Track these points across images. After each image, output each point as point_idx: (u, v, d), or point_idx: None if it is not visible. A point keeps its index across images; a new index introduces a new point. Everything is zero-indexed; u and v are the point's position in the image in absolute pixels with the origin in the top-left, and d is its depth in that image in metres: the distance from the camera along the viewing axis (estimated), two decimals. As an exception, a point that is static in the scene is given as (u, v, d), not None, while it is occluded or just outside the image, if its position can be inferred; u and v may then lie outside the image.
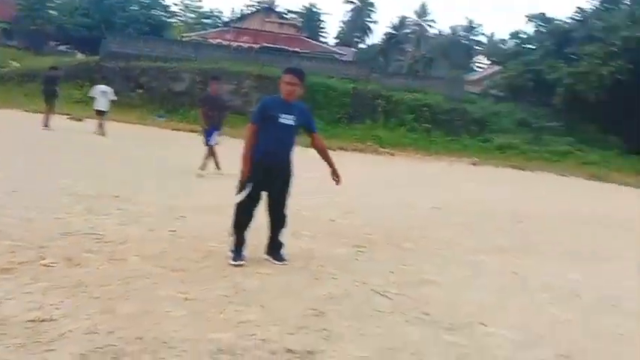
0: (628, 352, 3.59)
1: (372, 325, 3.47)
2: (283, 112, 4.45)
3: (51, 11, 41.55)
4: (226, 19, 48.11)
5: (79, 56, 35.85)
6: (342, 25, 70.24)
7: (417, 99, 26.51)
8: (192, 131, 20.12)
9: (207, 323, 3.21)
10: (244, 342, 3.00)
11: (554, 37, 27.21)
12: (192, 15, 58.12)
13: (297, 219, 6.60)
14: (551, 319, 4.01)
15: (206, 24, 54.86)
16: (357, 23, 66.20)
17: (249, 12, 48.53)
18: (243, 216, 4.52)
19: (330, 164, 4.82)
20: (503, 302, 4.29)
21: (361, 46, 68.78)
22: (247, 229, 4.56)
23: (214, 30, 44.13)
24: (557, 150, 23.55)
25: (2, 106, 20.09)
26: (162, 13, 51.20)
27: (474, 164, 20.84)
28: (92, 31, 39.41)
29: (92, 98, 16.22)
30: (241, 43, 36.58)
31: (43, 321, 2.97)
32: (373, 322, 3.53)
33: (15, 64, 25.47)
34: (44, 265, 3.91)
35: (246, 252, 4.59)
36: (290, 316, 3.45)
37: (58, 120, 16.51)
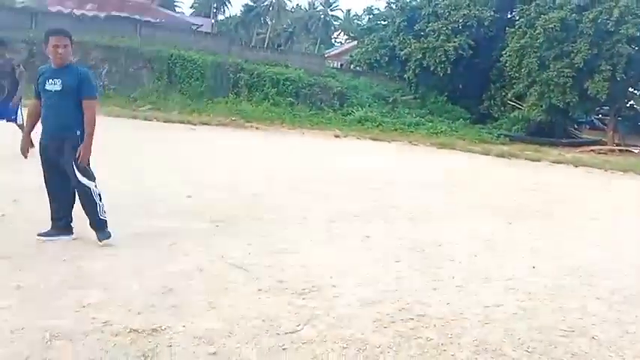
0: (466, 300, 3.99)
1: (224, 297, 3.46)
2: (51, 77, 4.15)
3: None
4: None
5: None
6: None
7: (279, 73, 26.55)
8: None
9: (42, 311, 2.97)
10: (84, 326, 2.83)
11: (404, 14, 28.79)
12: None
13: (151, 196, 6.34)
14: (396, 276, 4.31)
15: (46, -11, 49.55)
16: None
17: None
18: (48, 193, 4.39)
19: (89, 139, 4.19)
20: (353, 264, 4.52)
21: (220, 17, 67.08)
22: (53, 204, 4.37)
23: (54, -4, 40.03)
24: (410, 121, 25.18)
25: None
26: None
27: (336, 136, 21.56)
28: None
29: None
30: (85, 12, 33.64)
31: None
32: (225, 294, 3.53)
33: None
34: None
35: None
36: (136, 295, 3.32)
37: None
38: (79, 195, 4.30)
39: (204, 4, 65.16)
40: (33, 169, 4.57)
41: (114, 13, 33.95)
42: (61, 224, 4.37)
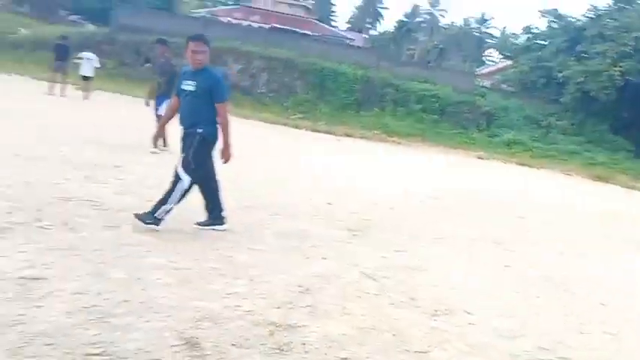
0: (617, 350, 3.63)
1: (357, 305, 3.52)
2: (188, 79, 4.51)
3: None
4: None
5: (90, 27, 35.75)
6: (354, 10, 69.74)
7: (426, 89, 26.31)
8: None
9: (195, 292, 3.27)
10: (229, 312, 3.06)
11: (567, 34, 26.87)
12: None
13: (296, 200, 6.66)
14: (537, 311, 4.04)
15: (217, 1, 54.46)
16: (369, 9, 65.62)
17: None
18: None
19: (224, 139, 4.54)
20: (491, 292, 4.33)
21: (372, 32, 68.26)
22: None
23: (225, 7, 43.86)
24: (564, 149, 23.39)
25: (13, 72, 20.08)
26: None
27: (479, 158, 20.78)
28: (103, 2, 39.20)
29: (76, 64, 16.47)
30: (251, 23, 36.34)
31: (34, 279, 3.03)
32: (359, 302, 3.58)
33: (24, 31, 25.38)
34: (40, 228, 3.96)
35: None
36: (277, 291, 3.50)
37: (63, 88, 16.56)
38: (171, 181, 4.42)
39: (359, 19, 66.90)
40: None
41: (276, 25, 36.30)
42: (213, 215, 4.75)
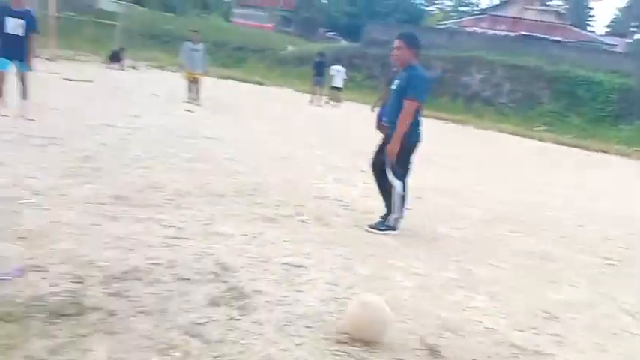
0: None
1: (613, 343, 3.14)
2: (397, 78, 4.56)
3: (322, 0, 45.91)
4: (484, 7, 46.61)
5: (343, 43, 38.90)
6: (617, 13, 61.65)
7: None
8: (437, 119, 20.26)
9: (435, 300, 3.32)
10: (470, 326, 3.03)
11: None
12: (450, 3, 57.76)
13: (540, 219, 6.24)
14: None
15: (463, 12, 53.99)
16: (634, 11, 57.24)
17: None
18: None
19: (395, 135, 4.35)
20: None
21: (637, 37, 59.49)
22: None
23: (470, 17, 43.21)
24: None
25: (281, 85, 23.11)
26: (422, 2, 52.23)
27: None
28: (356, 19, 42.33)
29: (332, 76, 18.43)
30: (497, 32, 35.07)
31: (295, 266, 3.45)
32: (615, 340, 3.20)
33: (290, 48, 28.91)
34: (300, 221, 4.50)
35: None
36: (519, 312, 3.34)
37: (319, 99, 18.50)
38: (387, 191, 4.59)
39: (622, 23, 59.07)
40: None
41: (524, 33, 34.39)
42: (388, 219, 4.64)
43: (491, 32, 33.93)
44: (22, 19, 7.08)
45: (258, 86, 21.58)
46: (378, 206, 5.38)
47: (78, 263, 2.93)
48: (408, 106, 4.31)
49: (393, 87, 4.57)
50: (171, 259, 3.19)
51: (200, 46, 12.20)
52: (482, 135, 18.18)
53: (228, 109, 12.40)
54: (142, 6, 30.39)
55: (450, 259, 4.18)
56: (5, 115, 6.96)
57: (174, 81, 14.44)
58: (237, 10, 45.54)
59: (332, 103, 18.30)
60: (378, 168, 4.66)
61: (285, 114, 13.71)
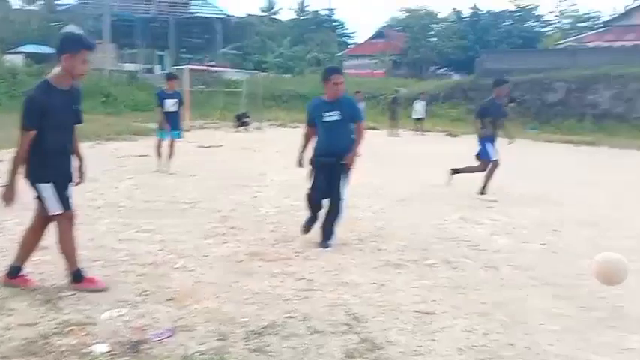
0: None
1: None
2: (325, 110, 4.79)
3: (432, 39, 45.89)
4: (606, 19, 43.45)
5: (455, 77, 38.35)
6: None
7: None
8: (567, 142, 19.02)
9: (583, 343, 3.07)
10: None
11: None
12: (568, 20, 54.61)
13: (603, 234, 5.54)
14: None
15: (582, 27, 50.71)
16: None
17: (634, 6, 42.52)
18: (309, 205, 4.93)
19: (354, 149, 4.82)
20: None
21: None
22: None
23: (592, 32, 40.43)
24: None
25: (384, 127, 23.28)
26: (536, 24, 50.10)
27: None
28: (468, 52, 41.65)
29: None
30: (624, 43, 32.37)
31: (427, 313, 3.41)
32: None
33: (403, 90, 29.10)
34: (427, 265, 4.44)
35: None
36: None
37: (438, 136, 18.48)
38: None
39: None
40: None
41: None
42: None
43: (617, 44, 31.44)
44: (174, 98, 9.18)
45: (370, 131, 21.85)
46: (506, 243, 5.17)
47: (221, 320, 3.17)
48: (363, 127, 4.95)
49: (329, 119, 4.74)
50: (305, 312, 3.32)
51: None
52: (619, 154, 16.65)
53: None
54: (263, 71, 32.67)
55: (595, 296, 3.85)
56: (157, 171, 8.91)
57: (295, 137, 15.17)
58: (348, 62, 47.10)
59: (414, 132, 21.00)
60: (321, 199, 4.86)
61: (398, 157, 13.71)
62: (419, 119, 21.38)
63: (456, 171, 8.41)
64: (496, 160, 7.72)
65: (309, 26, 54.30)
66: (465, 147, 12.04)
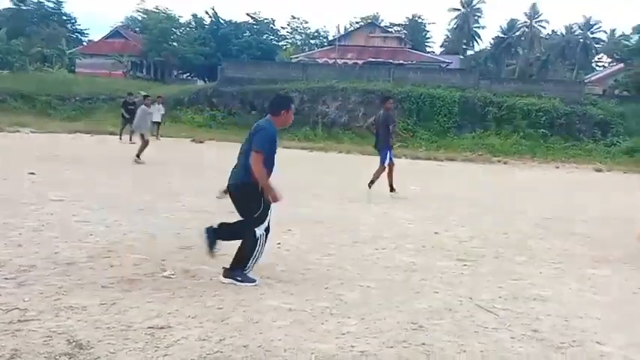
0: None
1: (474, 340, 3.38)
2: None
3: (173, 43, 45.23)
4: (332, 38, 49.25)
5: (199, 83, 38.60)
6: (447, 34, 68.69)
7: (531, 104, 25.14)
8: (302, 148, 20.83)
9: (309, 333, 3.33)
10: (344, 353, 3.07)
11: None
12: (300, 37, 60.16)
13: (400, 231, 6.60)
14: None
15: (313, 44, 56.50)
16: (464, 30, 64.24)
17: (353, 29, 49.32)
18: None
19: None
20: (622, 320, 3.96)
21: (469, 52, 66.73)
22: None
23: (321, 49, 45.36)
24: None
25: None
26: (273, 37, 53.73)
27: (597, 170, 19.31)
28: (210, 59, 42.30)
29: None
30: (346, 60, 37.22)
31: (161, 328, 3.26)
32: (476, 338, 3.44)
33: (143, 93, 27.99)
34: (165, 277, 4.28)
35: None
36: (389, 329, 3.47)
37: (182, 142, 18.12)
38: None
39: (454, 42, 65.75)
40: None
41: (371, 59, 36.82)
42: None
43: (341, 61, 35.89)
44: None
45: (109, 136, 20.41)
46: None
47: None
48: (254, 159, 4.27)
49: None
50: (13, 348, 2.84)
51: None
52: (344, 158, 19.02)
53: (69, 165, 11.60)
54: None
55: (323, 289, 4.24)
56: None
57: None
58: (81, 60, 43.25)
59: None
60: None
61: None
62: (156, 123, 20.61)
63: (371, 182, 9.46)
64: (391, 164, 9.41)
65: (32, 18, 48.32)
66: (214, 153, 12.17)
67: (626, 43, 39.50)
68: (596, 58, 62.08)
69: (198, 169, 12.10)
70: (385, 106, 9.76)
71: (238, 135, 22.04)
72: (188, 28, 50.44)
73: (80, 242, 5.10)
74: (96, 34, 78.60)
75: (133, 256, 4.80)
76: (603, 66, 57.27)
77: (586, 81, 39.63)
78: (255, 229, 4.21)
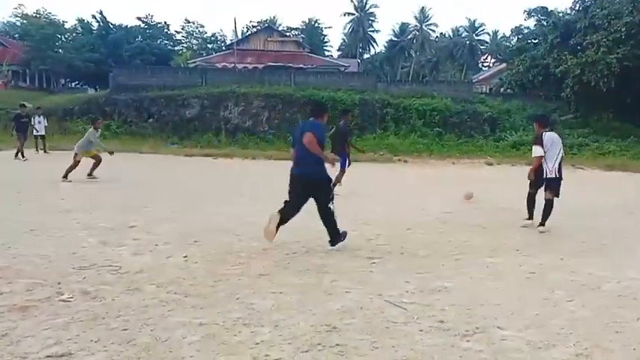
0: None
1: (385, 336, 3.47)
2: None
3: (59, 50, 42.46)
4: (229, 42, 48.74)
5: (90, 92, 36.54)
6: (344, 37, 70.47)
7: (425, 104, 26.47)
8: (206, 155, 20.36)
9: (222, 346, 3.25)
10: (257, 363, 3.03)
11: (557, 30, 27.01)
12: (196, 41, 58.83)
13: (309, 233, 6.64)
14: (569, 317, 3.97)
15: (210, 49, 55.48)
16: (359, 34, 66.26)
17: (250, 33, 49.13)
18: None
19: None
20: (519, 304, 4.26)
21: (366, 56, 68.94)
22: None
23: (219, 54, 44.66)
24: (572, 142, 23.21)
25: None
26: (167, 42, 52.14)
27: (488, 164, 20.71)
28: (100, 66, 40.20)
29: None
30: (246, 65, 36.96)
31: (61, 356, 3.03)
32: (387, 333, 3.54)
33: (27, 104, 25.98)
34: (62, 301, 3.98)
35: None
36: (303, 333, 3.47)
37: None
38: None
39: (351, 46, 67.49)
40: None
41: (270, 63, 36.81)
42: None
43: (241, 66, 35.56)
44: None
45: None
46: (151, 261, 5.12)
47: None
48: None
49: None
50: None
51: None
52: (250, 163, 18.88)
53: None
54: None
55: (233, 299, 4.16)
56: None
57: None
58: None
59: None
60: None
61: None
62: (40, 136, 19.86)
63: (333, 185, 9.37)
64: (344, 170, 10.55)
65: None
66: (108, 164, 11.55)
67: (507, 44, 42.78)
68: (482, 59, 66.64)
69: (94, 183, 11.42)
70: (345, 119, 11.39)
71: (134, 144, 21.26)
72: (74, 34, 47.60)
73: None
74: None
75: (24, 280, 4.41)
76: (488, 66, 61.62)
77: (474, 80, 42.46)
78: (330, 206, 5.84)
